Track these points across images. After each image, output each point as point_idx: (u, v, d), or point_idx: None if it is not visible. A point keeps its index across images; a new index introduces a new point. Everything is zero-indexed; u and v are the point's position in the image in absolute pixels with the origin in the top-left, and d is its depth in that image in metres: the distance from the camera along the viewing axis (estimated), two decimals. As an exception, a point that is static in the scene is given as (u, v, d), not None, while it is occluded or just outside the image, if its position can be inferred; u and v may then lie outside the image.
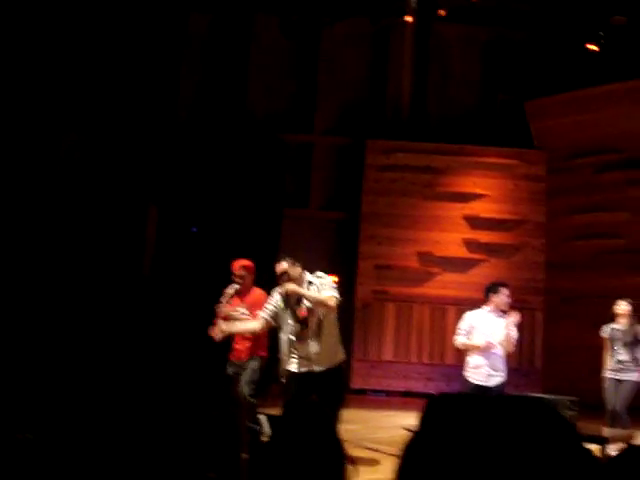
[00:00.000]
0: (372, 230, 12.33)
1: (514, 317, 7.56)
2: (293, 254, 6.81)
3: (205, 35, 13.23)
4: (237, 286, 7.55)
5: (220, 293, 7.57)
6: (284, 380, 6.68)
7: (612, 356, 8.43)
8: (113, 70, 12.21)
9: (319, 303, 6.53)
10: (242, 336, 7.53)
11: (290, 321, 6.56)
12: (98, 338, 9.91)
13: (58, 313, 10.62)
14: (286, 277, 6.60)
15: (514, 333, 7.65)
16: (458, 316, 11.99)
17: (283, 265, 6.56)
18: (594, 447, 6.29)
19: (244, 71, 13.22)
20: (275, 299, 6.65)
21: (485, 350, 7.63)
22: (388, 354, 12.18)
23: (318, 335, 6.55)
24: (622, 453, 2.05)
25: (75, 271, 11.26)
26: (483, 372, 7.61)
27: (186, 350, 9.94)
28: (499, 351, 7.67)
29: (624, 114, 12.00)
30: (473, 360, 7.71)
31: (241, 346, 7.60)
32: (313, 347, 6.55)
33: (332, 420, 2.65)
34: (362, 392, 11.96)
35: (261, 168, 12.69)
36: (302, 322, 6.59)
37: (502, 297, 7.72)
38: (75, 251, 11.43)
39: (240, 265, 7.66)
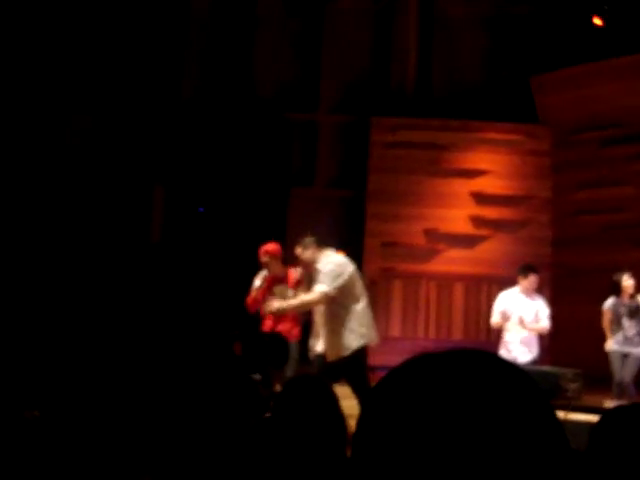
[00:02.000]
0: (378, 207, 12.36)
1: None
2: (305, 232, 6.83)
3: (208, 12, 13.20)
4: (264, 272, 7.56)
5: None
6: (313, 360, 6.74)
7: (617, 330, 8.52)
8: (117, 51, 12.23)
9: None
10: (284, 317, 7.43)
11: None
12: (105, 318, 10.02)
13: (66, 294, 10.73)
14: (301, 262, 6.68)
15: (544, 323, 8.28)
16: (464, 292, 12.19)
17: (297, 249, 6.62)
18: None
19: (248, 49, 13.20)
20: None
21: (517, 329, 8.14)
22: (395, 330, 12.25)
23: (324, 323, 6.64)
24: (613, 410, 2.10)
25: (83, 251, 11.36)
26: (516, 349, 8.04)
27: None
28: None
29: (628, 88, 11.95)
30: (507, 338, 8.20)
31: (284, 327, 7.52)
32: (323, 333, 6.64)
33: (333, 395, 2.71)
34: (370, 369, 12.03)
35: (267, 147, 12.71)
36: None
37: (528, 283, 8.29)
38: (83, 232, 11.52)
39: (262, 251, 7.60)
